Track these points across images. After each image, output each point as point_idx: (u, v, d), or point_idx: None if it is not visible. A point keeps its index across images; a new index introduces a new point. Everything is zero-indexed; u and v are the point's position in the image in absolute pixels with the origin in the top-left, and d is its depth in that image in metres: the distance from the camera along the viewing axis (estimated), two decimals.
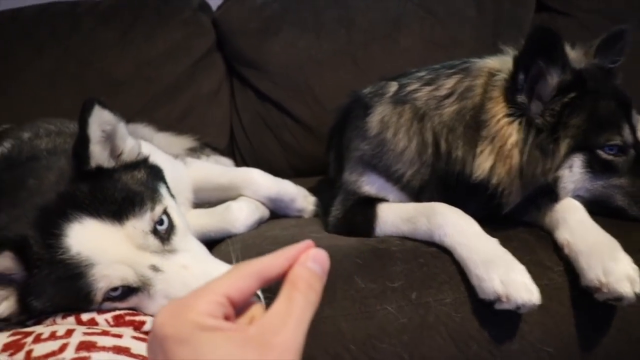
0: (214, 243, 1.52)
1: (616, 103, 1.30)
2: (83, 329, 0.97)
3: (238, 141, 2.40)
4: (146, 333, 1.00)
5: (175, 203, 1.20)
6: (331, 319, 1.16)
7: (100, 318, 1.00)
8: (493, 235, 1.21)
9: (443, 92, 1.37)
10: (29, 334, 0.96)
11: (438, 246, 1.25)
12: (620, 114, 1.30)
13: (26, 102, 2.20)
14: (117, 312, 1.02)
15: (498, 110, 1.26)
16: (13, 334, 0.97)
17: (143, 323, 1.01)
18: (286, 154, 2.36)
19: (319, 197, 1.76)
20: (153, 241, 1.03)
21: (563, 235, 1.21)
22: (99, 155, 1.07)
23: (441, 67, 1.45)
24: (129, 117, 2.15)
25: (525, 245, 1.25)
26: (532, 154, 1.24)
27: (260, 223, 1.62)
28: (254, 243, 1.40)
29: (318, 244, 1.32)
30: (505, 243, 1.19)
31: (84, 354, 0.88)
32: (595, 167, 1.29)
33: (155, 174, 1.20)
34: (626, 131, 1.29)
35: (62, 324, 1.00)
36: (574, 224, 1.21)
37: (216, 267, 1.07)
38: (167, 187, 1.22)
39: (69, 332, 0.95)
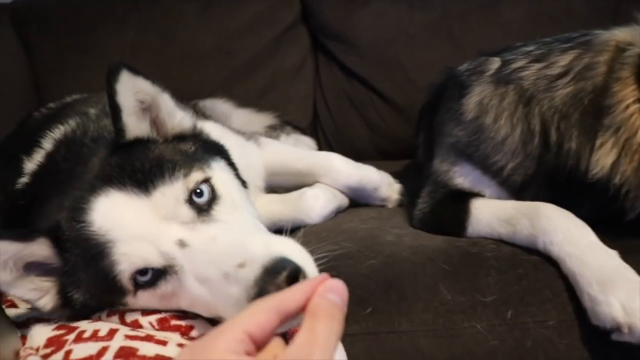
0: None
1: None
2: (126, 330, 0.88)
3: (321, 120, 2.31)
4: (193, 339, 0.89)
5: (238, 184, 1.06)
6: (409, 334, 1.03)
7: (144, 320, 0.91)
8: (611, 247, 1.02)
9: (556, 70, 1.17)
10: (72, 329, 0.90)
11: (542, 254, 1.08)
12: None
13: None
14: (162, 315, 0.91)
15: (627, 94, 1.05)
16: (58, 328, 0.92)
17: (191, 328, 0.90)
18: (372, 134, 2.23)
19: (405, 185, 1.62)
20: (186, 211, 0.88)
21: None
22: (135, 126, 0.96)
23: (554, 41, 1.24)
24: (209, 92, 2.15)
25: None
26: None
27: (338, 213, 1.49)
28: (329, 237, 1.26)
29: (401, 243, 1.21)
30: (626, 257, 1.00)
31: None
32: None
33: (209, 148, 1.06)
34: None
35: (107, 321, 0.92)
36: None
37: (252, 236, 0.87)
38: (232, 166, 1.09)
39: (112, 333, 0.87)
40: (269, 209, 1.42)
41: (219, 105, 2.09)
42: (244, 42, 2.24)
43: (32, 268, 0.90)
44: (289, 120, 2.21)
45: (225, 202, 0.94)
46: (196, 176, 0.92)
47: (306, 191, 1.44)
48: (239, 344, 0.56)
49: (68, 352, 0.84)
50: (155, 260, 0.85)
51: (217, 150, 1.08)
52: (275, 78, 2.26)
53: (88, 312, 0.93)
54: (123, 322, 0.91)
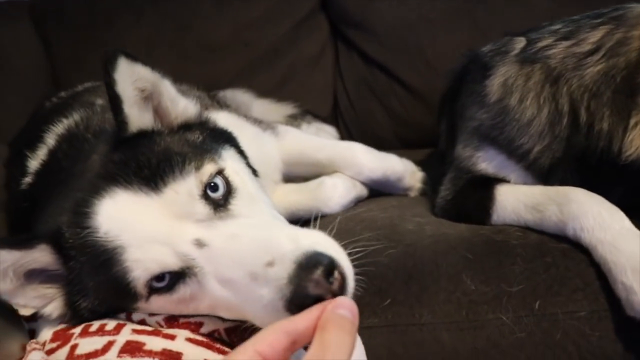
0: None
1: None
2: (134, 325, 0.86)
3: (342, 109, 2.26)
4: (204, 335, 0.85)
5: (249, 173, 1.01)
6: (430, 326, 0.99)
7: (151, 320, 0.87)
8: None
9: (586, 47, 1.11)
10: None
11: (571, 242, 1.02)
12: None
13: None
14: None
15: None
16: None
17: (200, 325, 0.86)
18: (393, 123, 2.17)
19: (428, 174, 1.57)
20: (202, 207, 0.82)
21: None
22: (138, 118, 0.91)
23: (583, 18, 1.19)
24: (227, 83, 2.12)
25: None
26: None
27: (357, 202, 1.45)
28: (348, 226, 1.22)
29: (421, 232, 1.16)
30: None
31: (126, 358, 0.77)
32: None
33: (218, 136, 1.01)
34: None
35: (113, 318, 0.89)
36: None
37: (275, 231, 0.81)
38: (241, 153, 1.05)
39: (118, 328, 0.84)
40: (286, 199, 1.38)
41: (239, 96, 2.07)
42: (261, 33, 2.21)
43: (35, 275, 0.86)
44: (309, 110, 2.17)
45: (241, 195, 0.88)
46: (209, 168, 0.86)
47: (325, 180, 1.40)
48: None
49: (74, 347, 0.82)
50: (172, 263, 0.79)
51: (226, 138, 1.04)
52: (295, 68, 2.23)
53: (95, 318, 0.88)
54: (130, 319, 0.88)
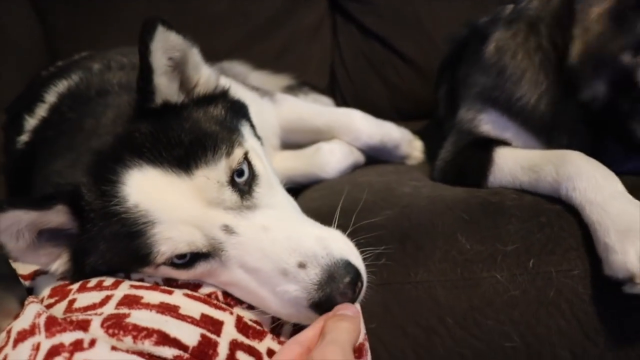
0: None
1: None
2: (132, 281, 0.87)
3: (339, 81, 2.24)
4: (206, 296, 0.86)
5: (260, 145, 1.03)
6: (426, 284, 0.99)
7: (150, 280, 0.88)
8: None
9: None
10: None
11: (566, 203, 1.03)
12: None
13: (124, 43, 2.15)
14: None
15: None
16: (63, 277, 0.91)
17: (199, 286, 0.87)
18: (391, 95, 2.15)
19: (425, 143, 1.60)
20: (230, 195, 0.85)
21: None
22: (165, 88, 0.90)
23: None
24: (224, 54, 2.09)
25: None
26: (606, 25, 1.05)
27: (355, 168, 1.45)
28: (343, 190, 1.22)
29: (418, 194, 1.16)
30: None
31: (123, 310, 0.78)
32: None
33: (237, 110, 1.02)
34: None
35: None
36: None
37: (303, 229, 0.86)
38: (252, 126, 1.06)
39: (116, 284, 0.85)
40: (284, 165, 1.39)
41: (236, 67, 2.05)
42: (259, 4, 2.17)
43: (44, 233, 0.86)
44: (306, 81, 2.15)
45: (262, 181, 0.91)
46: (238, 153, 0.88)
47: (322, 146, 1.41)
48: None
49: (72, 301, 0.83)
50: (201, 245, 0.82)
51: (242, 112, 1.04)
52: (292, 39, 2.19)
53: (95, 276, 0.89)
54: (128, 278, 0.89)
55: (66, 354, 0.71)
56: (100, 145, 0.88)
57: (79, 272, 0.89)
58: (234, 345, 0.80)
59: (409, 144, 1.56)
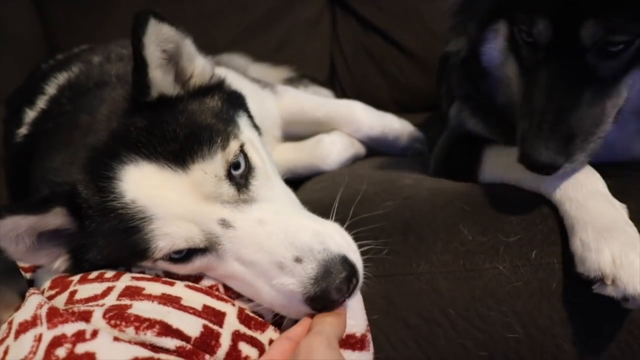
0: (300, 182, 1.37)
1: None
2: (133, 273, 0.87)
3: (339, 74, 2.23)
4: (210, 287, 0.86)
5: (258, 136, 1.03)
6: (428, 275, 0.99)
7: (150, 272, 0.88)
8: None
9: None
10: None
11: None
12: None
13: (123, 36, 2.14)
14: None
15: None
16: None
17: (200, 278, 0.87)
18: (390, 87, 2.14)
19: (426, 136, 1.58)
20: (227, 189, 0.85)
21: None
22: (160, 81, 0.90)
23: None
24: (224, 48, 2.09)
25: None
26: None
27: (355, 160, 1.45)
28: (344, 181, 1.21)
29: (419, 186, 1.16)
30: None
31: (125, 301, 0.78)
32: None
33: (233, 101, 1.01)
34: None
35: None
36: None
37: (300, 223, 0.86)
38: (250, 117, 1.05)
39: (118, 275, 0.86)
40: (285, 157, 1.39)
41: (235, 60, 2.04)
42: None
43: (44, 234, 0.86)
44: (306, 73, 2.15)
45: (259, 173, 0.91)
46: (234, 146, 0.88)
47: (323, 137, 1.41)
48: None
49: (73, 293, 0.83)
50: (199, 241, 0.83)
51: (239, 103, 1.04)
52: (292, 32, 2.19)
53: (93, 270, 0.89)
54: (129, 271, 0.89)
55: (68, 345, 0.71)
56: (96, 141, 0.88)
57: (79, 267, 0.89)
58: (236, 336, 0.80)
59: (409, 136, 1.56)
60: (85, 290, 0.82)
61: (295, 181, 1.31)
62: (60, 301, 0.82)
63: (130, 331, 0.74)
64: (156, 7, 2.06)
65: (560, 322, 0.94)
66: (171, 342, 0.75)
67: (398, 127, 1.51)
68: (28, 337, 0.73)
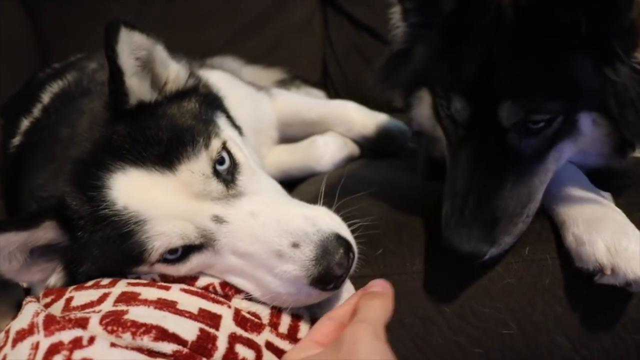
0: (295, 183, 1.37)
1: None
2: (128, 279, 0.87)
3: (331, 74, 2.24)
4: (199, 288, 0.86)
5: (239, 135, 1.05)
6: (422, 274, 0.99)
7: (146, 277, 0.89)
8: None
9: None
10: None
11: None
12: None
13: None
14: None
15: None
16: None
17: (195, 279, 0.88)
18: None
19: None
20: (216, 186, 0.86)
21: None
22: (137, 88, 0.91)
23: None
24: (216, 50, 2.10)
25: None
26: None
27: (350, 161, 1.46)
28: (338, 182, 1.21)
29: (413, 185, 1.16)
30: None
31: (122, 307, 0.78)
32: None
33: (211, 103, 1.03)
34: None
35: None
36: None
37: (290, 210, 0.88)
38: (229, 117, 1.07)
39: (113, 282, 0.86)
40: (279, 159, 1.40)
41: (228, 63, 2.05)
42: None
43: (36, 251, 0.86)
44: (298, 75, 2.16)
45: (244, 168, 0.92)
46: (216, 144, 0.89)
47: (317, 139, 1.41)
48: (310, 346, 0.75)
49: (69, 300, 0.83)
50: (194, 237, 0.84)
51: (217, 104, 1.05)
52: (283, 34, 2.20)
53: (89, 280, 0.89)
54: (124, 277, 0.89)
55: (65, 352, 0.71)
56: (80, 153, 0.88)
57: (74, 281, 0.89)
58: (233, 339, 0.80)
59: (403, 135, 1.56)
60: (82, 297, 0.82)
61: (290, 183, 1.32)
62: (56, 308, 0.83)
63: (127, 337, 0.74)
64: (148, 12, 2.13)
65: (554, 317, 0.95)
66: (168, 347, 0.75)
67: (391, 127, 1.52)
68: (25, 345, 0.73)
